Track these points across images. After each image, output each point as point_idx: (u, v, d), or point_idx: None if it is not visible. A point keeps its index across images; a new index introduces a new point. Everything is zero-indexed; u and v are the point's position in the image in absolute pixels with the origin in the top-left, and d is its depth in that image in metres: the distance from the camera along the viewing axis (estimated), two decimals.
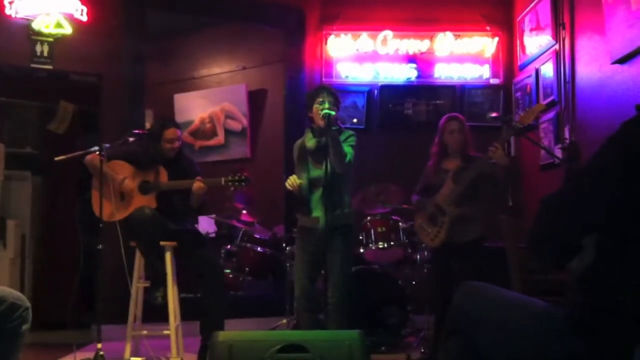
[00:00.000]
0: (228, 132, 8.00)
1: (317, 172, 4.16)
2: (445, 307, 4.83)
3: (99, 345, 4.34)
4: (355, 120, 6.57)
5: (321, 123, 4.07)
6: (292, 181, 4.13)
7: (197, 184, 4.57)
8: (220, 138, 8.04)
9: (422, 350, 4.99)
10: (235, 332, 2.86)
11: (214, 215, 6.57)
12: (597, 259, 1.59)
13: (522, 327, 1.75)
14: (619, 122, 1.70)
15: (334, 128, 4.08)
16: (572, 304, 1.67)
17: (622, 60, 4.40)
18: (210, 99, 8.10)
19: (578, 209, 1.62)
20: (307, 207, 4.23)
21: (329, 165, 4.00)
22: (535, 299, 1.85)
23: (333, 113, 4.06)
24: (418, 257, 5.40)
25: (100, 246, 4.46)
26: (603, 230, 1.60)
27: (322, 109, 4.07)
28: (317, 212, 4.13)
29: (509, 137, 4.18)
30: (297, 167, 4.32)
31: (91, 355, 4.40)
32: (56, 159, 4.58)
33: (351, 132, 4.31)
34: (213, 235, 6.85)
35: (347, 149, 4.13)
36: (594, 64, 4.90)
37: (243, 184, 4.53)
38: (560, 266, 1.72)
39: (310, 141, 4.24)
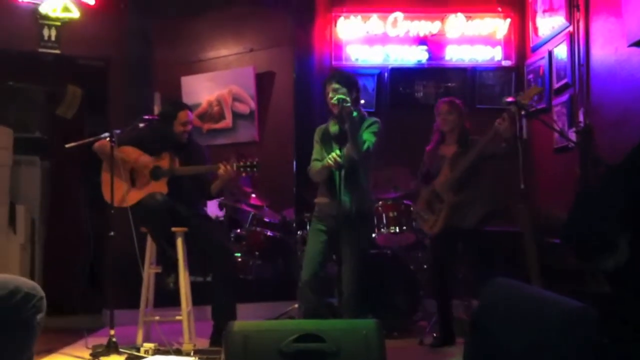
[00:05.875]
0: (236, 115, 7.93)
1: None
2: (445, 292, 4.86)
3: (112, 332, 4.35)
4: (363, 102, 6.49)
5: (335, 110, 4.06)
6: (334, 156, 3.96)
7: (224, 169, 4.52)
8: (227, 121, 7.98)
9: (435, 335, 4.96)
10: (250, 322, 2.84)
11: (222, 198, 6.53)
12: (631, 256, 1.54)
13: (548, 338, 1.67)
14: (636, 106, 1.66)
15: (354, 115, 4.02)
16: (604, 311, 1.60)
17: None
18: (218, 81, 8.02)
19: (614, 204, 1.58)
20: (328, 190, 4.17)
21: (344, 151, 3.95)
22: (565, 298, 1.77)
23: (343, 97, 3.97)
24: (429, 241, 5.38)
25: (112, 233, 4.45)
26: (638, 227, 1.55)
27: (333, 97, 4.05)
28: (338, 196, 3.99)
29: (511, 118, 4.18)
30: (317, 150, 4.27)
31: (103, 340, 4.41)
32: (67, 145, 4.56)
33: (375, 119, 4.26)
34: (221, 219, 6.83)
35: (368, 137, 4.09)
36: (609, 47, 4.82)
37: (255, 169, 4.50)
38: (592, 260, 1.66)
39: (333, 127, 4.20)
